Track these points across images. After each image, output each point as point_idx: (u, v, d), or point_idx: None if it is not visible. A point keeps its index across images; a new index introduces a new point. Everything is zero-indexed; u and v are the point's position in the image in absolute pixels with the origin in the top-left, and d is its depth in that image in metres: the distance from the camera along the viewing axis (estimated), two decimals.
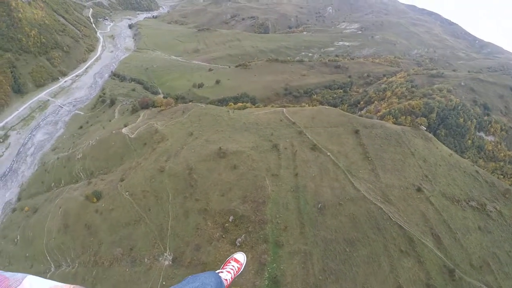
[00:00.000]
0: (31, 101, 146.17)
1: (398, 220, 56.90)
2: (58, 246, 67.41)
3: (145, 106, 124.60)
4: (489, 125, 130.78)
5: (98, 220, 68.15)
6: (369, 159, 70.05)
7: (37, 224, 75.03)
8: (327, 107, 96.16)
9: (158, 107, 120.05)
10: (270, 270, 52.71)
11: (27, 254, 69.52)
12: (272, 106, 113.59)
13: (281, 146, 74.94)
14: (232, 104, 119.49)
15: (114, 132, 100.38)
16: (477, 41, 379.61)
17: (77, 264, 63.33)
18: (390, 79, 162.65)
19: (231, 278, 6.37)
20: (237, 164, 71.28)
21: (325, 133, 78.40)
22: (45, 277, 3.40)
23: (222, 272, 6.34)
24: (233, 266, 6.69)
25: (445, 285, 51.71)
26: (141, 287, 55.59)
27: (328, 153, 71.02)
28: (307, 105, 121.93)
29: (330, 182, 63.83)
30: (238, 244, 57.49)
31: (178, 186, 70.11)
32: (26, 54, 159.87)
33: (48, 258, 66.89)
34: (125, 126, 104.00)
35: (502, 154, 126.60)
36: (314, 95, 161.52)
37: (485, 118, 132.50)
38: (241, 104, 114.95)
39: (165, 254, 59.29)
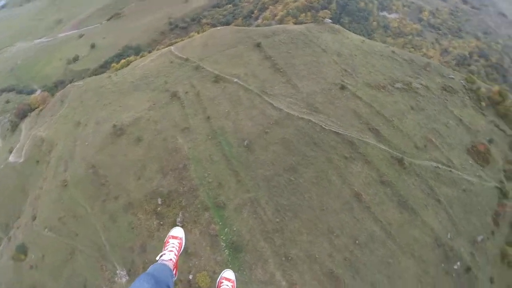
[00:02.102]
0: None
1: (332, 127, 50.49)
2: None
3: (23, 115, 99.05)
4: (391, 3, 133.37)
5: (37, 275, 55.75)
6: (281, 70, 61.03)
7: None
8: (219, 28, 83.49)
9: (36, 108, 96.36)
10: (224, 238, 45.50)
11: None
12: (158, 49, 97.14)
13: (181, 91, 62.63)
14: (115, 64, 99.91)
15: (1, 166, 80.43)
16: None
17: None
18: None
19: (175, 255, 6.31)
20: (139, 135, 58.57)
21: (224, 57, 66.79)
22: None
23: (164, 254, 6.25)
24: (173, 243, 6.54)
25: (399, 176, 48.67)
26: None
27: (235, 79, 60.36)
28: (196, 33, 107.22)
29: (247, 111, 54.37)
30: (180, 224, 48.60)
31: (90, 192, 56.94)
32: None
33: None
34: (11, 152, 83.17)
35: (409, 28, 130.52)
36: (203, 19, 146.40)
37: None
38: (124, 60, 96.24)
39: (117, 271, 49.53)
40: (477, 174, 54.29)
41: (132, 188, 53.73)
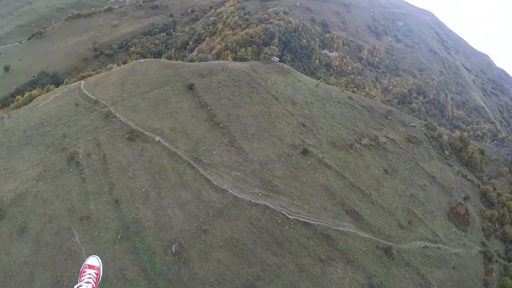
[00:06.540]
0: None
1: (300, 215, 35.99)
2: None
3: None
4: (332, 41, 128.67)
5: None
6: (221, 125, 46.01)
7: None
8: (142, 60, 67.30)
9: None
10: None
11: None
12: (69, 82, 76.48)
13: (81, 152, 43.97)
14: (20, 97, 77.11)
15: None
16: None
17: None
18: (219, 10, 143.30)
19: (93, 287, 5.90)
20: (24, 221, 39.35)
21: (146, 103, 49.84)
22: None
23: (81, 285, 5.85)
24: (90, 274, 6.11)
25: (388, 271, 36.89)
26: None
27: (157, 138, 43.20)
28: (116, 65, 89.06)
29: (175, 192, 37.15)
30: None
31: None
32: None
33: None
34: None
35: (350, 67, 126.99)
36: (131, 47, 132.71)
37: (327, 35, 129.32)
38: (27, 94, 73.96)
39: None
40: (462, 242, 47.05)
41: None
